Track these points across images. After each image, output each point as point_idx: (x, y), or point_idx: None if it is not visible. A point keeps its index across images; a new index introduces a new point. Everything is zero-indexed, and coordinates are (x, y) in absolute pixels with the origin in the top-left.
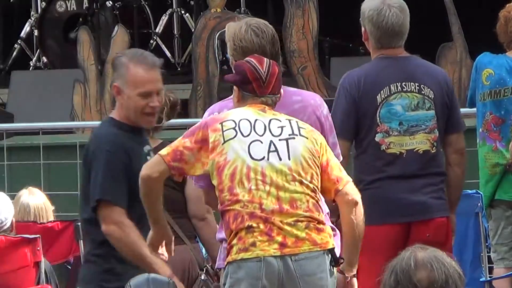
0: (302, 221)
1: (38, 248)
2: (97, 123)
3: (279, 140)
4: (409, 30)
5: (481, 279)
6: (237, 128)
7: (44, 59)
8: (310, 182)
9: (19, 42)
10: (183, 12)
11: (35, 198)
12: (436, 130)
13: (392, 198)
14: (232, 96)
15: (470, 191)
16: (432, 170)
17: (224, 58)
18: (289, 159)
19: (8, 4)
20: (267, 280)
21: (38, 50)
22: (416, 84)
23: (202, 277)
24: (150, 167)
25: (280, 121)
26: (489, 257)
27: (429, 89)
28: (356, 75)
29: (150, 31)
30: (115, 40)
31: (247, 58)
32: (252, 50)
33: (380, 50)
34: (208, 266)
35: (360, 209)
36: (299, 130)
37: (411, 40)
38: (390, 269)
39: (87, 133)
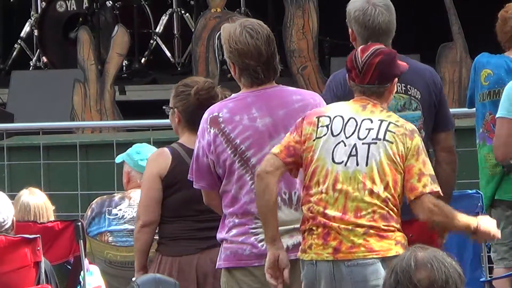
0: (362, 227)
1: (38, 248)
2: (97, 123)
3: (362, 143)
4: (409, 30)
5: (481, 279)
6: (329, 126)
7: (44, 59)
8: (385, 190)
9: (19, 42)
10: (183, 12)
11: (35, 198)
12: (422, 130)
13: None
14: (234, 95)
15: (470, 191)
16: None
17: (224, 58)
18: (366, 165)
19: (8, 4)
20: (320, 284)
21: (38, 50)
22: (403, 84)
23: None
24: (265, 163)
25: (372, 122)
26: (489, 257)
27: (415, 90)
28: (342, 76)
29: (150, 31)
30: (115, 40)
31: (361, 47)
32: (248, 52)
33: None
34: None
35: (431, 218)
36: (385, 134)
37: (411, 40)
38: (390, 269)
39: (87, 133)
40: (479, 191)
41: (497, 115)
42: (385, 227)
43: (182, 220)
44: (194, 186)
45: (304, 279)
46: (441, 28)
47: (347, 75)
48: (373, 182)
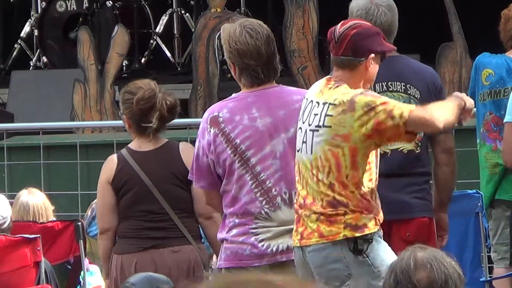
0: (315, 213)
1: (38, 248)
2: (97, 123)
3: (310, 130)
4: (409, 30)
5: (481, 279)
6: (302, 110)
7: (44, 59)
8: (327, 176)
9: (19, 42)
10: (183, 12)
11: (34, 198)
12: None
13: None
14: (234, 95)
15: (470, 191)
16: (416, 170)
17: (224, 58)
18: (311, 153)
19: (8, 4)
20: (298, 269)
21: (38, 50)
22: (403, 83)
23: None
24: None
25: (318, 105)
26: (489, 257)
27: (415, 89)
28: None
29: (150, 31)
30: (115, 40)
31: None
32: (248, 52)
33: None
34: (212, 266)
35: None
36: (324, 120)
37: (411, 40)
38: (389, 269)
39: (87, 133)
40: (479, 191)
41: (505, 120)
42: (332, 212)
43: (130, 220)
44: (194, 186)
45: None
46: (441, 28)
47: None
48: (318, 169)
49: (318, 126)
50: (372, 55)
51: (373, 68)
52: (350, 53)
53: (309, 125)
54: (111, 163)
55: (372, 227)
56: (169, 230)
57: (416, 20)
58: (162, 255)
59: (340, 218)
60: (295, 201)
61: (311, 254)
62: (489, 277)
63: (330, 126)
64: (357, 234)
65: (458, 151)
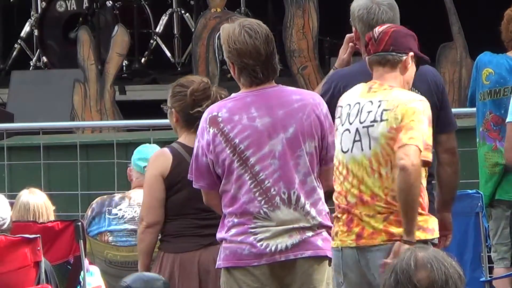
0: (381, 213)
1: (38, 248)
2: (97, 123)
3: (363, 127)
4: (409, 30)
5: (481, 279)
6: (339, 116)
7: (44, 59)
8: (391, 171)
9: (19, 42)
10: (183, 12)
11: (35, 197)
12: None
13: None
14: (234, 95)
15: (470, 191)
16: None
17: (224, 58)
18: (369, 148)
19: (8, 4)
20: (346, 269)
21: (38, 50)
22: None
23: None
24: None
25: (372, 103)
26: (489, 257)
27: (416, 90)
28: (343, 73)
29: (150, 31)
30: (115, 40)
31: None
32: (247, 51)
33: None
34: None
35: (406, 175)
36: (381, 114)
37: None
38: (390, 269)
39: (87, 133)
40: (479, 191)
41: (507, 120)
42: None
43: (184, 218)
44: (193, 186)
45: (334, 266)
46: (441, 28)
47: (363, 51)
48: (379, 164)
49: (374, 121)
50: (411, 53)
51: (412, 69)
52: (391, 48)
53: (362, 122)
54: (164, 157)
55: (436, 233)
56: None
57: (416, 20)
58: None
59: None
60: (337, 201)
61: (376, 254)
62: (489, 277)
63: (386, 119)
64: (429, 237)
65: (459, 151)
